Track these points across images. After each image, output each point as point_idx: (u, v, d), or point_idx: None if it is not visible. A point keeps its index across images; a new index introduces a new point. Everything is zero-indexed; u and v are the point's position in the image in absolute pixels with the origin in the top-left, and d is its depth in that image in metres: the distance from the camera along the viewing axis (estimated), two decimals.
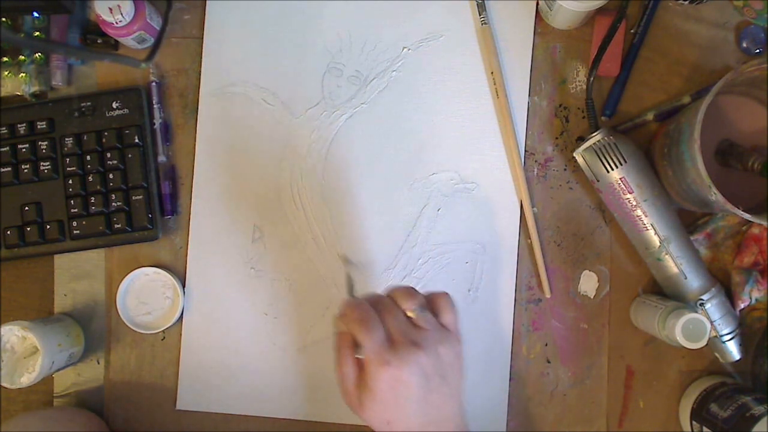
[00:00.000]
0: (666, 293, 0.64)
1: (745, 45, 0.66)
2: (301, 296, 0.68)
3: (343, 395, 0.51)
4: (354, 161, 0.68)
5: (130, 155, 0.67)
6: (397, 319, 0.50)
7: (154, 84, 0.69)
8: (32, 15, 0.68)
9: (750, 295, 0.63)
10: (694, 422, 0.62)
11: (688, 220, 0.66)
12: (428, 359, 0.49)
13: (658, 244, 0.61)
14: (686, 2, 0.66)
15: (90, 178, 0.67)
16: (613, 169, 0.61)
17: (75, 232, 0.67)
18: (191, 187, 0.69)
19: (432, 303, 0.53)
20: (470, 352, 0.63)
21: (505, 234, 0.67)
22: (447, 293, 0.54)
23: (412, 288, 0.53)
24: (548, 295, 0.67)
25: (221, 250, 0.68)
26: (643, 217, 0.61)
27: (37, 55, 0.68)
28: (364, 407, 0.49)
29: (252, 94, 0.69)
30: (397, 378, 0.47)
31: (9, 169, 0.67)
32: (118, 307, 0.67)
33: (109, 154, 0.67)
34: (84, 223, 0.67)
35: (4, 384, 0.62)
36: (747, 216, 0.54)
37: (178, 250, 0.69)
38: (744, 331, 0.64)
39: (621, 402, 0.66)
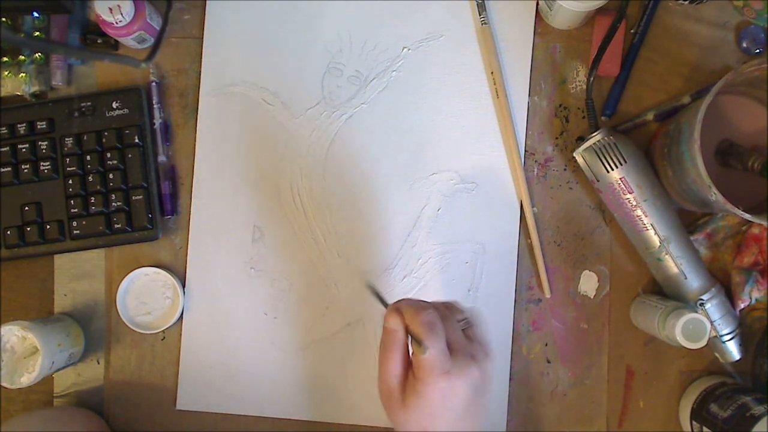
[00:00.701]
0: (666, 293, 0.64)
1: (745, 45, 0.66)
2: (301, 296, 0.68)
3: (382, 390, 0.51)
4: (354, 161, 0.68)
5: (130, 155, 0.67)
6: (456, 331, 0.51)
7: (154, 84, 0.69)
8: (32, 15, 0.68)
9: (750, 295, 0.63)
10: (694, 422, 0.62)
11: (688, 220, 0.66)
12: (479, 373, 0.49)
13: (658, 244, 0.61)
14: (686, 2, 0.66)
15: (90, 178, 0.67)
16: (613, 169, 0.61)
17: (75, 232, 0.67)
18: (191, 187, 0.69)
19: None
20: None
21: (505, 234, 0.67)
22: (475, 308, 0.55)
23: (456, 301, 0.54)
24: (548, 295, 0.67)
25: (221, 250, 0.68)
26: (643, 217, 0.61)
27: (37, 55, 0.68)
28: (407, 408, 0.49)
29: (252, 94, 0.69)
30: (452, 388, 0.48)
31: (9, 169, 0.67)
32: (118, 307, 0.67)
33: (109, 154, 0.67)
34: (84, 223, 0.67)
35: (4, 384, 0.62)
36: (747, 216, 0.54)
37: (178, 250, 0.69)
38: (744, 331, 0.64)
39: (621, 402, 0.66)
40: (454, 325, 0.51)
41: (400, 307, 0.51)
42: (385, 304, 0.53)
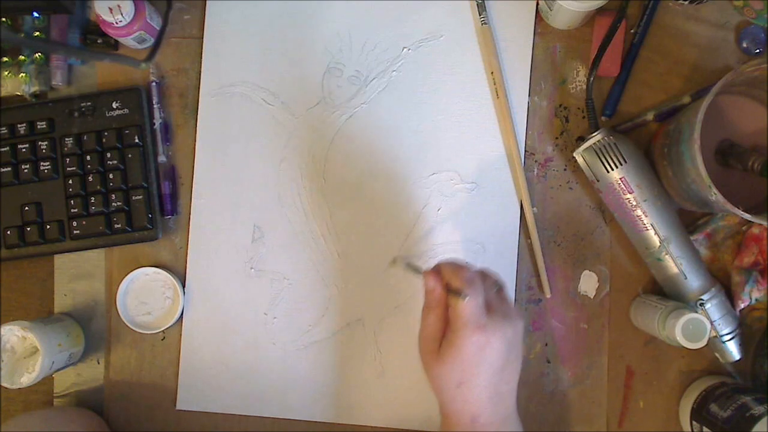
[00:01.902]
0: (666, 293, 0.64)
1: (745, 45, 0.66)
2: (301, 296, 0.68)
3: (422, 347, 0.53)
4: (354, 161, 0.68)
5: (130, 155, 0.67)
6: (490, 291, 0.53)
7: (154, 84, 0.69)
8: (32, 15, 0.68)
9: (750, 295, 0.63)
10: (694, 422, 0.62)
11: (688, 220, 0.66)
12: (513, 332, 0.51)
13: (658, 244, 0.61)
14: (686, 2, 0.66)
15: (90, 178, 0.67)
16: (613, 169, 0.61)
17: (75, 232, 0.67)
18: (191, 187, 0.69)
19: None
20: None
21: (505, 234, 0.67)
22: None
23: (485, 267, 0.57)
24: (548, 295, 0.67)
25: (221, 250, 0.68)
26: (643, 217, 0.61)
27: (37, 55, 0.68)
28: (443, 362, 0.50)
29: (252, 94, 0.69)
30: (487, 343, 0.49)
31: (9, 169, 0.67)
32: (118, 307, 0.67)
33: (109, 154, 0.67)
34: (84, 223, 0.67)
35: (4, 384, 0.62)
36: (747, 216, 0.54)
37: (178, 250, 0.69)
38: (744, 331, 0.64)
39: (621, 402, 0.66)
40: (489, 285, 0.54)
41: (439, 268, 0.53)
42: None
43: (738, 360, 0.62)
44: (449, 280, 0.52)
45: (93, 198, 0.67)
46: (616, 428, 0.66)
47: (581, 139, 0.66)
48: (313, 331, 0.68)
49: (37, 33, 0.69)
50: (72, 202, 0.67)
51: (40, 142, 0.67)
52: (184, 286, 0.68)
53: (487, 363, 0.50)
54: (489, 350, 0.50)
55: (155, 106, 0.68)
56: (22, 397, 0.69)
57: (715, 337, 0.62)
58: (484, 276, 0.54)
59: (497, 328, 0.50)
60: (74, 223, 0.67)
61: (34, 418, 0.63)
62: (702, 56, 0.66)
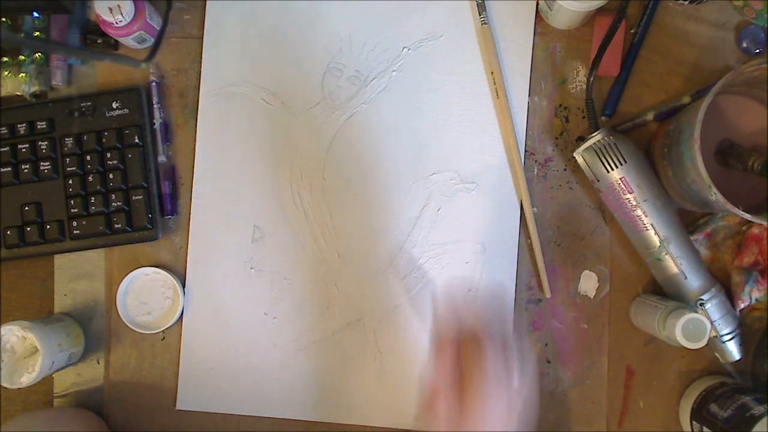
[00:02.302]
0: (666, 293, 0.64)
1: (745, 45, 0.66)
2: (301, 296, 0.68)
3: (434, 395, 0.50)
4: (354, 161, 0.68)
5: (130, 155, 0.67)
6: (508, 338, 0.51)
7: (154, 84, 0.69)
8: (32, 15, 0.68)
9: (750, 295, 0.63)
10: (694, 422, 0.62)
11: (688, 220, 0.66)
12: (531, 392, 0.50)
13: (658, 244, 0.61)
14: (686, 2, 0.66)
15: (90, 178, 0.67)
16: (613, 169, 0.61)
17: (75, 232, 0.67)
18: (191, 187, 0.69)
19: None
20: None
21: (505, 234, 0.67)
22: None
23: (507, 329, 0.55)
24: (548, 295, 0.67)
25: (221, 250, 0.68)
26: (643, 217, 0.61)
27: (37, 55, 0.68)
28: (465, 417, 0.48)
29: (252, 94, 0.69)
30: (516, 401, 0.49)
31: (9, 169, 0.67)
32: (118, 307, 0.67)
33: (109, 154, 0.67)
34: (84, 223, 0.67)
35: (4, 384, 0.62)
36: (747, 216, 0.54)
37: (178, 250, 0.69)
38: (744, 331, 0.64)
39: (621, 402, 0.66)
40: (483, 352, 0.50)
41: (453, 316, 0.52)
42: None
43: (738, 360, 0.62)
44: (465, 338, 0.50)
45: (93, 198, 0.67)
46: (616, 428, 0.66)
47: (581, 139, 0.66)
48: (313, 331, 0.68)
49: (37, 33, 0.69)
50: (72, 202, 0.67)
51: (40, 142, 0.67)
52: (184, 286, 0.68)
53: (512, 421, 0.48)
54: (516, 409, 0.49)
55: (155, 106, 0.68)
56: (22, 397, 0.69)
57: (715, 337, 0.62)
58: (501, 323, 0.53)
59: (525, 387, 0.49)
60: (74, 223, 0.67)
61: (34, 419, 0.63)
62: (702, 56, 0.66)
